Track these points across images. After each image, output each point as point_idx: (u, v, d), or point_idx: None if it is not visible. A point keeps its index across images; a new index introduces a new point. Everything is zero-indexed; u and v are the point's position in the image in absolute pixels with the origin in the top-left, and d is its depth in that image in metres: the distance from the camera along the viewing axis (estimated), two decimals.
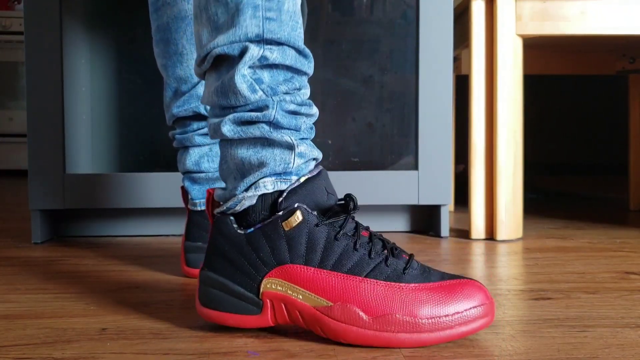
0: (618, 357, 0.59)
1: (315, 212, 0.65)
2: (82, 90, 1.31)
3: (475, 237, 1.26)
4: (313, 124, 0.71)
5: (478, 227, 1.26)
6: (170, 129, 1.03)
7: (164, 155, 1.36)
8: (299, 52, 0.68)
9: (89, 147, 1.34)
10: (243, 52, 0.65)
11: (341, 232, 0.64)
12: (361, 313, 0.61)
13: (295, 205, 0.65)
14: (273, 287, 0.65)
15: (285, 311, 0.64)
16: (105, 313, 0.74)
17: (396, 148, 1.32)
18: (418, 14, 1.25)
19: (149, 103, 1.34)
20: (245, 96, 0.66)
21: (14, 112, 3.38)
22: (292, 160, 0.67)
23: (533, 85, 1.94)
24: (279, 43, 0.66)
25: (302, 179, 0.67)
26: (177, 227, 1.32)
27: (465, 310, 0.61)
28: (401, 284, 0.62)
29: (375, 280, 0.63)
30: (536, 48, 1.60)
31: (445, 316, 0.61)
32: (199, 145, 0.97)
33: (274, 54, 0.66)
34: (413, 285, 0.62)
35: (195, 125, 0.97)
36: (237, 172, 0.68)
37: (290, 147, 0.67)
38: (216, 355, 0.60)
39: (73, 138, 1.28)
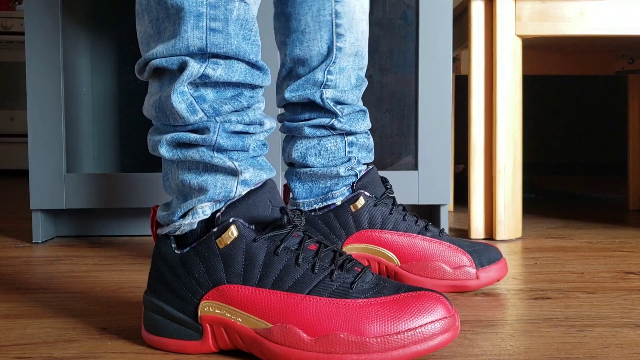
0: (617, 356, 0.59)
1: (253, 227, 0.60)
2: (82, 90, 1.31)
3: (475, 237, 1.26)
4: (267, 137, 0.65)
5: (477, 226, 1.26)
6: (278, 112, 0.91)
7: None
8: (251, 65, 0.62)
9: (89, 147, 1.34)
10: (182, 67, 0.60)
11: (282, 247, 0.59)
12: (302, 334, 0.55)
13: (230, 220, 0.59)
14: (211, 310, 0.59)
15: (226, 335, 0.59)
16: (105, 313, 0.74)
17: (396, 148, 1.32)
18: (418, 14, 1.25)
19: None
20: (184, 117, 0.60)
21: (15, 112, 3.38)
22: (235, 188, 0.61)
23: (533, 85, 1.94)
24: (225, 57, 0.61)
25: (243, 192, 0.62)
26: None
27: (421, 326, 0.54)
28: (347, 300, 0.56)
29: (318, 297, 0.56)
30: (536, 48, 1.60)
31: (396, 334, 0.54)
32: (308, 137, 0.88)
33: (218, 71, 0.60)
34: (361, 300, 0.56)
35: (307, 114, 0.87)
36: (178, 192, 0.64)
37: (233, 172, 0.61)
38: (216, 355, 0.61)
39: (73, 138, 1.28)
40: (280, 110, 0.95)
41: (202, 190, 0.62)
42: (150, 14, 0.62)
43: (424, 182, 1.26)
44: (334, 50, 0.86)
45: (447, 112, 1.26)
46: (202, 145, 0.61)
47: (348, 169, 0.88)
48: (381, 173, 1.25)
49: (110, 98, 1.33)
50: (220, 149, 0.61)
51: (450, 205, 1.67)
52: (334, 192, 0.88)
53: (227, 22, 0.60)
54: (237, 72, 0.61)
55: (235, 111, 0.62)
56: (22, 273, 0.96)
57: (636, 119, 1.72)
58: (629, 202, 1.74)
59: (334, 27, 0.85)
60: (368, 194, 0.87)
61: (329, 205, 0.88)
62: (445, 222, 1.28)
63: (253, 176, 0.62)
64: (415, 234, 0.86)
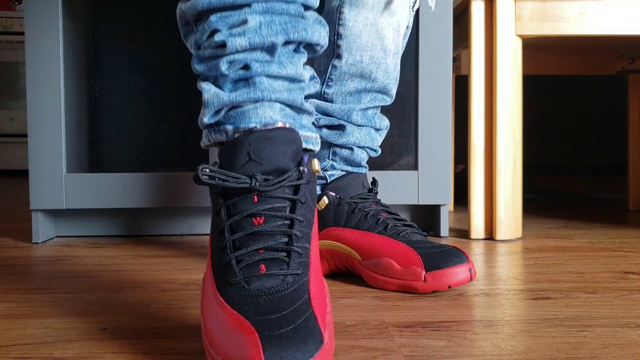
0: (617, 356, 0.59)
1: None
2: (82, 91, 1.31)
3: (475, 237, 1.26)
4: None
5: (477, 227, 1.26)
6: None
7: (164, 155, 1.37)
8: None
9: (89, 147, 1.34)
10: None
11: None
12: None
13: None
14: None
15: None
16: (105, 313, 0.74)
17: (396, 148, 1.32)
18: (418, 14, 1.25)
19: (149, 103, 1.34)
20: None
21: (15, 112, 3.38)
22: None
23: (533, 85, 1.94)
24: None
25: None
26: (176, 227, 1.32)
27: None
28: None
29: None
30: (536, 48, 1.60)
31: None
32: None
33: None
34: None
35: None
36: None
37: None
38: None
39: (73, 138, 1.28)
40: None
41: None
42: None
43: (424, 182, 1.26)
44: (329, 67, 0.96)
45: (447, 112, 1.26)
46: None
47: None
48: (381, 173, 1.25)
49: (110, 98, 1.33)
50: None
51: (450, 206, 1.67)
52: None
53: None
54: None
55: None
56: (22, 273, 0.96)
57: (636, 119, 1.72)
58: (629, 202, 1.74)
59: (335, 47, 0.95)
60: (333, 194, 0.93)
61: None
62: (445, 222, 1.28)
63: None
64: (373, 233, 0.89)
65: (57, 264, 1.03)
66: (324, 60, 0.97)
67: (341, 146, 0.97)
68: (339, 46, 0.95)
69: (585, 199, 1.98)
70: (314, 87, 0.68)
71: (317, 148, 0.68)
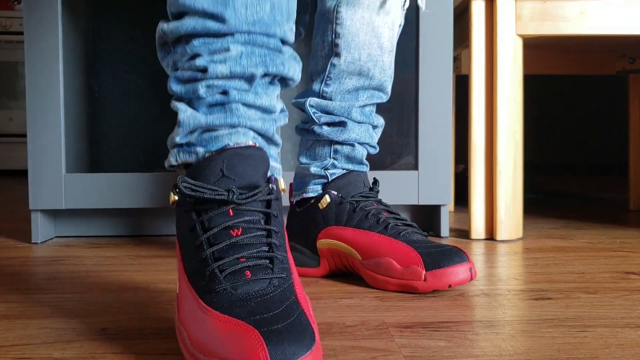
0: (618, 357, 0.59)
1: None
2: (83, 90, 1.31)
3: (475, 237, 1.26)
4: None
5: (478, 227, 1.26)
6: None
7: (164, 156, 1.36)
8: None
9: (88, 147, 1.34)
10: None
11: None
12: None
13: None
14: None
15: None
16: (105, 313, 0.74)
17: (396, 148, 1.32)
18: (418, 14, 1.25)
19: (149, 103, 1.34)
20: None
21: (14, 112, 3.38)
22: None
23: (533, 85, 1.94)
24: None
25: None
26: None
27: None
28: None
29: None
30: (536, 48, 1.60)
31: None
32: (301, 139, 1.02)
33: None
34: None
35: (303, 118, 1.01)
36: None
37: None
38: None
39: (73, 138, 1.28)
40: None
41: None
42: None
43: (424, 182, 1.26)
44: (328, 66, 0.97)
45: (447, 112, 1.26)
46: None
47: (318, 169, 0.97)
48: (381, 173, 1.25)
49: (109, 98, 1.33)
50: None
51: (450, 206, 1.67)
52: (306, 188, 0.98)
53: None
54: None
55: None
56: (21, 273, 0.96)
57: (637, 119, 1.71)
58: (629, 202, 1.74)
59: (333, 46, 0.97)
60: (334, 193, 0.94)
61: (305, 201, 0.98)
62: (446, 222, 1.28)
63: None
64: (374, 232, 0.88)
65: (57, 264, 1.03)
66: (322, 59, 0.98)
67: (342, 143, 0.98)
68: (337, 45, 0.96)
69: (585, 199, 1.97)
70: (284, 120, 0.70)
71: (280, 179, 0.71)
